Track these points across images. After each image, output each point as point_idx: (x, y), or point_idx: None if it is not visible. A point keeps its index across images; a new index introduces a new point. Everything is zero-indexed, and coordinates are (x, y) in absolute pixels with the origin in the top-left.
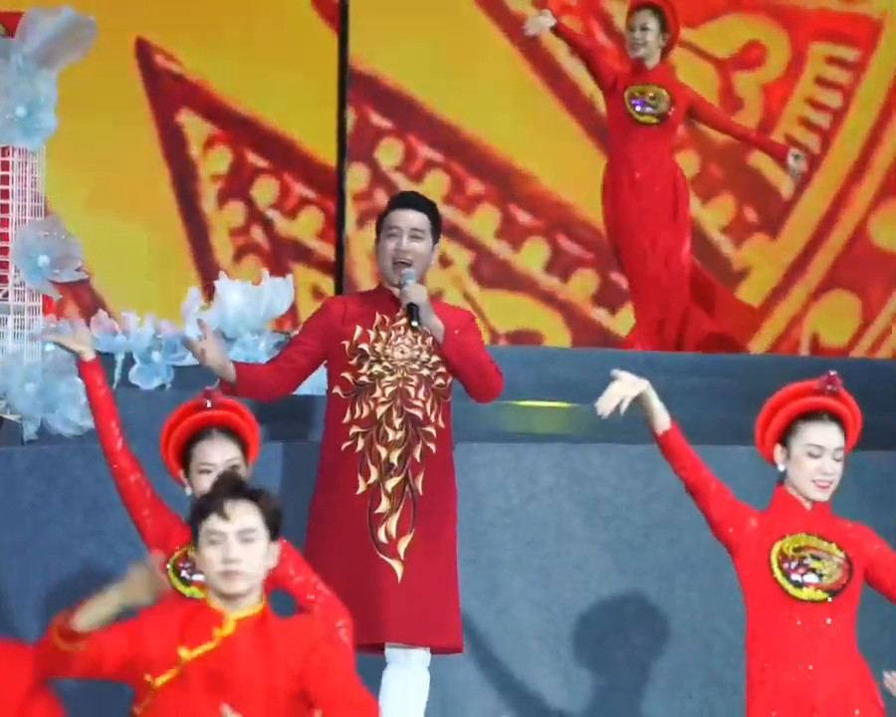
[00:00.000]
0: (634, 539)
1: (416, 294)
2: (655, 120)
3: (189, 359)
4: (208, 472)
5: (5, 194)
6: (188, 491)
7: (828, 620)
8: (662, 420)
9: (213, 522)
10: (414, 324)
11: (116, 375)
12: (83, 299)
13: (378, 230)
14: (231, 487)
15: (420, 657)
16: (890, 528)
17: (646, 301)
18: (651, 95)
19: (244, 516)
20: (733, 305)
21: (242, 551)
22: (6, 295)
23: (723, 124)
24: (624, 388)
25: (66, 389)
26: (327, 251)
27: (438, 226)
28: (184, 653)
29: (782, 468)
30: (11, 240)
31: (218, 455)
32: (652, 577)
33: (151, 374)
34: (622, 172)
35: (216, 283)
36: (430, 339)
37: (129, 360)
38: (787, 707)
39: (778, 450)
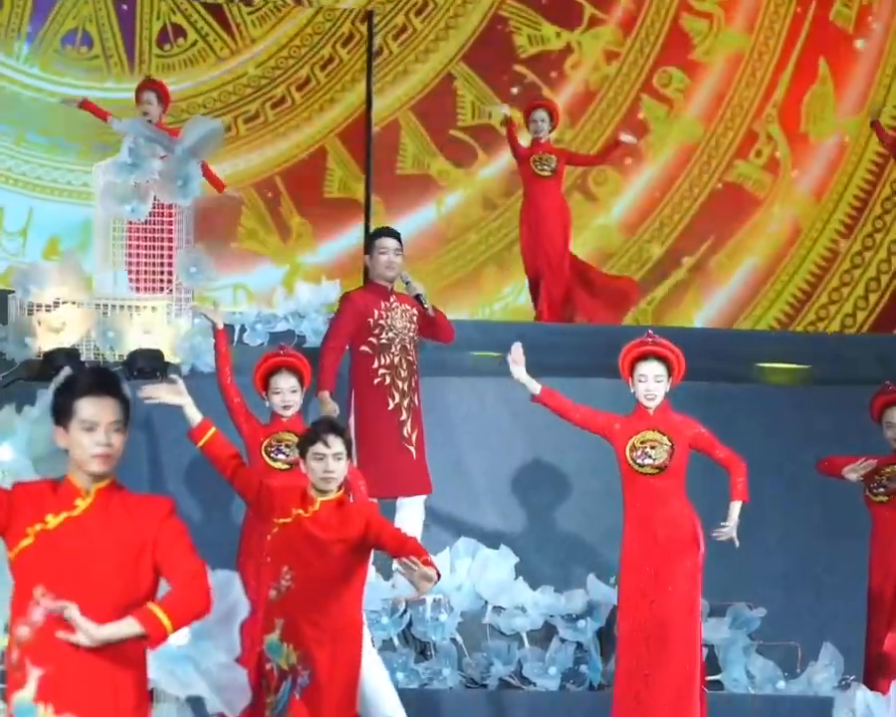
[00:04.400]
0: (542, 427)
1: (418, 287)
2: (550, 174)
3: (279, 328)
4: (277, 393)
5: (170, 231)
6: (266, 403)
7: (660, 484)
8: (533, 389)
9: (318, 447)
10: (425, 306)
11: (236, 337)
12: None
13: (370, 249)
14: (330, 425)
15: (422, 498)
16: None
17: (545, 286)
18: (546, 159)
19: (336, 444)
20: (609, 284)
21: (335, 465)
22: (171, 291)
23: (583, 160)
24: (515, 372)
25: (206, 345)
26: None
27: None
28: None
29: (633, 390)
30: (175, 258)
31: (284, 383)
32: (553, 447)
33: (255, 337)
34: (531, 206)
35: (295, 284)
36: (411, 311)
37: (243, 329)
38: (644, 530)
39: (630, 380)
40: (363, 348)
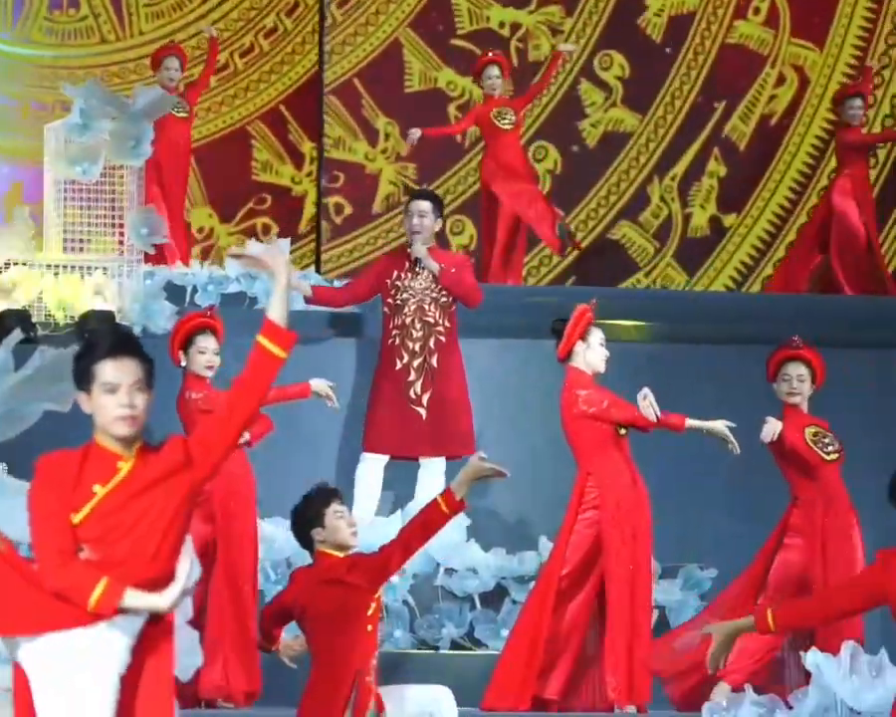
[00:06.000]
0: (494, 389)
1: (417, 252)
2: (511, 126)
3: (231, 289)
4: (203, 353)
5: (121, 192)
6: (183, 363)
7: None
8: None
9: (337, 505)
10: (418, 268)
11: (187, 299)
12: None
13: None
14: (326, 484)
15: (437, 463)
16: None
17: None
18: (505, 112)
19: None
20: None
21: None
22: (122, 251)
23: (533, 92)
24: None
25: (158, 307)
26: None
27: (439, 208)
28: None
29: (587, 355)
30: (126, 219)
31: (210, 343)
32: (504, 410)
33: (207, 298)
34: (495, 162)
35: (247, 242)
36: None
37: (195, 290)
38: (637, 484)
39: (578, 344)
40: (384, 309)
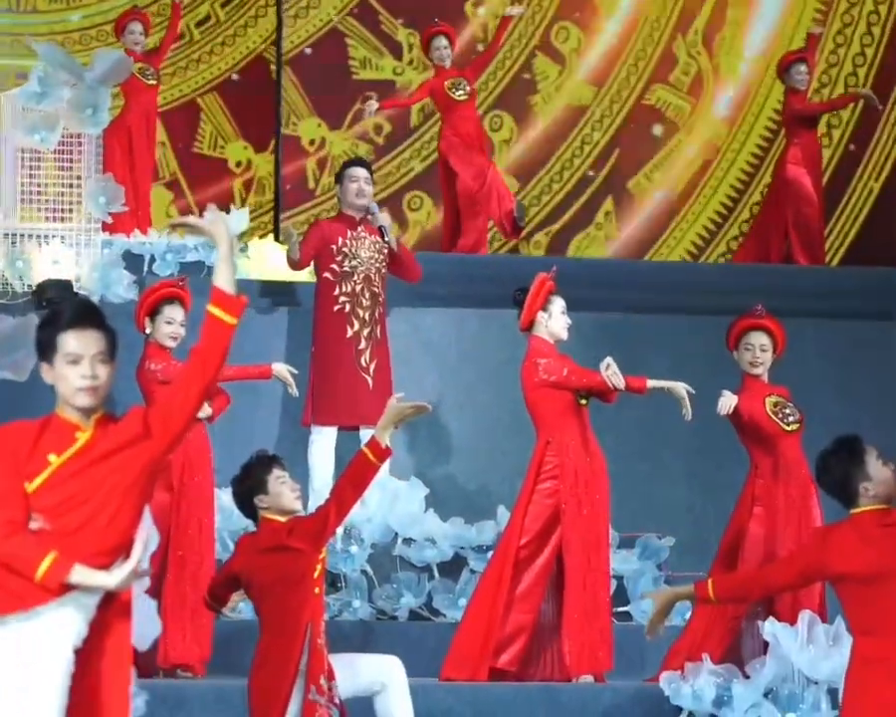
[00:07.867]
0: (451, 360)
1: (383, 220)
2: (466, 96)
3: (189, 258)
4: (170, 323)
5: (79, 160)
6: (147, 331)
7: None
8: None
9: (279, 470)
10: (386, 239)
11: (145, 267)
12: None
13: (340, 179)
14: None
15: None
16: None
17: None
18: (459, 82)
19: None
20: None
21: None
22: (80, 221)
23: (484, 59)
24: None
25: (116, 275)
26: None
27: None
28: None
29: (548, 323)
30: (84, 187)
31: (178, 314)
32: (462, 381)
33: (165, 268)
34: (453, 134)
35: (205, 212)
36: (380, 243)
37: (152, 259)
38: (595, 456)
39: (539, 314)
40: (326, 274)
